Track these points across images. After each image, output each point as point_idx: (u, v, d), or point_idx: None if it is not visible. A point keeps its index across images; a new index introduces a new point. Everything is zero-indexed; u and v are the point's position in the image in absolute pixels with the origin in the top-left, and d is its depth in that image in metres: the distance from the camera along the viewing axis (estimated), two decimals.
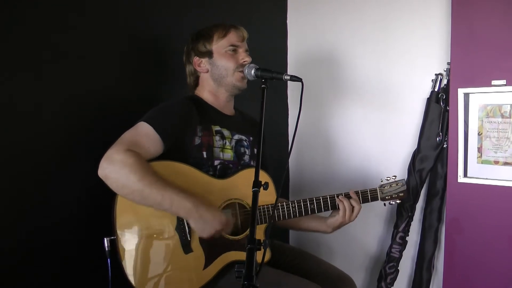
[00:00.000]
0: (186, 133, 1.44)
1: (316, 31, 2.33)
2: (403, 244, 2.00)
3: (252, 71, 1.38)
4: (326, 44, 2.30)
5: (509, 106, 1.64)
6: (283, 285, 1.36)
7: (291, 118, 2.47)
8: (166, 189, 1.29)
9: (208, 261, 1.40)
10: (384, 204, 1.66)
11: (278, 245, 1.70)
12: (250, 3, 2.24)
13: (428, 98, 1.92)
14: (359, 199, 1.58)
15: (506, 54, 1.61)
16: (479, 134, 1.71)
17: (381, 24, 2.10)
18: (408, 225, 1.99)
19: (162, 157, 1.38)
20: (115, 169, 1.25)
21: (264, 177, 1.38)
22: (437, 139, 1.88)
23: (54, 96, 1.46)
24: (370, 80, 2.16)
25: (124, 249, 1.32)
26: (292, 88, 2.44)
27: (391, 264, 2.01)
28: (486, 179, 1.69)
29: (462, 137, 1.74)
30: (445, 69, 1.89)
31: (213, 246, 1.41)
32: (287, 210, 1.52)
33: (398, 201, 1.65)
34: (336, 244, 2.31)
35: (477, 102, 1.71)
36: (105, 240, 1.33)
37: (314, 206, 1.54)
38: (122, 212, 1.33)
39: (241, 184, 1.47)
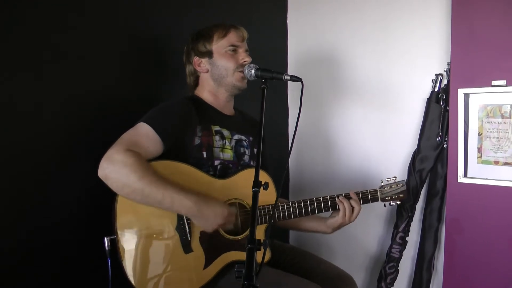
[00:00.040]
0: (186, 133, 1.44)
1: (316, 31, 2.33)
2: (403, 244, 2.00)
3: (252, 71, 1.39)
4: (326, 44, 2.30)
5: (509, 106, 1.64)
6: (283, 285, 1.36)
7: (291, 118, 2.47)
8: (166, 188, 1.29)
9: (208, 261, 1.40)
10: (384, 205, 1.66)
11: (278, 245, 1.70)
12: (250, 3, 2.24)
13: (428, 98, 1.92)
14: (359, 200, 1.58)
15: (506, 54, 1.61)
16: (479, 134, 1.71)
17: (381, 24, 2.10)
18: (408, 225, 1.99)
19: (162, 157, 1.38)
20: (115, 169, 1.25)
21: (264, 177, 1.39)
22: (437, 139, 1.88)
23: (54, 96, 1.46)
24: (370, 80, 2.16)
25: (124, 249, 1.32)
26: (292, 88, 2.44)
27: (391, 264, 2.01)
28: (486, 179, 1.69)
29: (462, 137, 1.74)
30: (445, 69, 1.89)
31: (213, 246, 1.41)
32: (287, 210, 1.52)
33: (398, 202, 1.65)
34: (336, 244, 2.31)
35: (477, 102, 1.71)
36: (105, 240, 1.33)
37: (314, 206, 1.54)
38: (122, 212, 1.33)
39: (241, 184, 1.47)
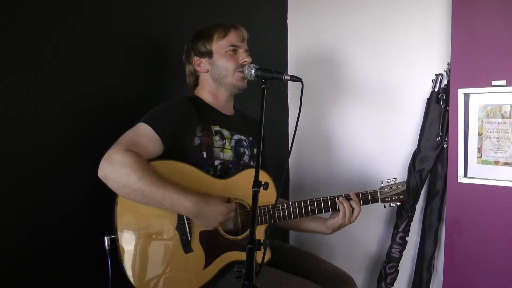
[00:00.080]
0: (186, 133, 1.44)
1: (316, 31, 2.33)
2: (403, 244, 2.00)
3: (252, 71, 1.39)
4: (326, 44, 2.30)
5: (509, 106, 1.64)
6: (283, 285, 1.36)
7: (291, 118, 2.47)
8: (166, 188, 1.29)
9: (208, 261, 1.40)
10: (384, 206, 1.66)
11: (278, 245, 1.70)
12: (250, 3, 2.24)
13: (428, 98, 1.92)
14: (359, 201, 1.58)
15: (506, 54, 1.61)
16: (479, 134, 1.71)
17: (381, 24, 2.10)
18: (408, 225, 1.99)
19: (162, 157, 1.38)
20: (115, 169, 1.25)
21: (264, 177, 1.39)
22: (437, 139, 1.88)
23: (54, 96, 1.45)
24: (370, 80, 2.16)
25: (124, 249, 1.32)
26: (292, 88, 2.44)
27: (391, 264, 2.01)
28: (486, 179, 1.69)
29: (462, 138, 1.74)
30: (445, 69, 1.89)
31: (213, 246, 1.41)
32: (287, 211, 1.52)
33: (398, 203, 1.66)
34: (336, 244, 2.31)
35: (477, 103, 1.71)
36: (106, 239, 1.33)
37: (314, 207, 1.54)
38: (122, 212, 1.33)
39: (241, 184, 1.47)
